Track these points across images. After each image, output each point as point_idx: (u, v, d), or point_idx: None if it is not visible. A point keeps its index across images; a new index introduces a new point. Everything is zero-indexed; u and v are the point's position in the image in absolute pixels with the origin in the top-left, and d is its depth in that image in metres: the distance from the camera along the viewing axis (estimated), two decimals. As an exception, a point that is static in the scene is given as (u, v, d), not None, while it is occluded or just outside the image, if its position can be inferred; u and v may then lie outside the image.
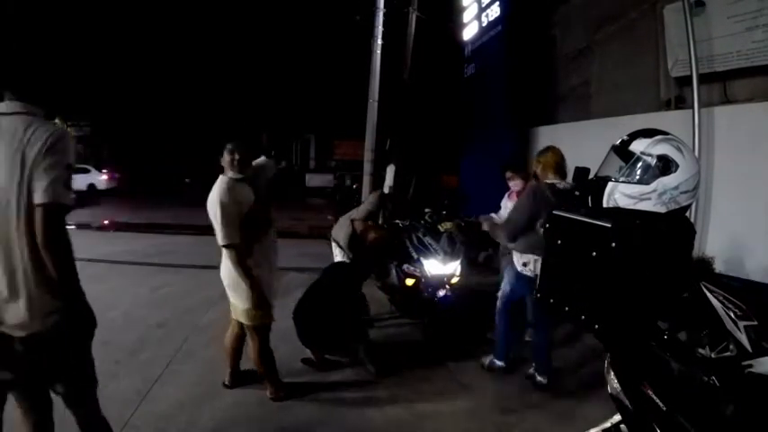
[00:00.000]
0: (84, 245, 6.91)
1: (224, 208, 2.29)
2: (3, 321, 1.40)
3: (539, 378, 2.93)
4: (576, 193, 1.51)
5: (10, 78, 1.47)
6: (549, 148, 2.80)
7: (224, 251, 2.37)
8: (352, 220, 3.77)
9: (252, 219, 2.38)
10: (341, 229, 3.84)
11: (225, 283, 2.48)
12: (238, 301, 2.45)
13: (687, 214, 1.43)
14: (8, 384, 1.49)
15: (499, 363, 3.09)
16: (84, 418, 1.64)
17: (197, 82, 18.82)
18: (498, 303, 3.04)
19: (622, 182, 1.37)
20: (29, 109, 1.43)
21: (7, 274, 1.39)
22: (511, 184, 3.44)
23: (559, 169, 2.72)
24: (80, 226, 8.83)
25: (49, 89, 1.54)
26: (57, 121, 1.48)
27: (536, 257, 2.71)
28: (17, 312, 1.39)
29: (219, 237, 2.30)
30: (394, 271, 3.88)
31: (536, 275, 2.71)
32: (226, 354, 2.76)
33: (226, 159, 2.44)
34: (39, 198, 1.33)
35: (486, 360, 3.12)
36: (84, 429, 1.65)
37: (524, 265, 2.83)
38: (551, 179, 2.70)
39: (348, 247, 3.70)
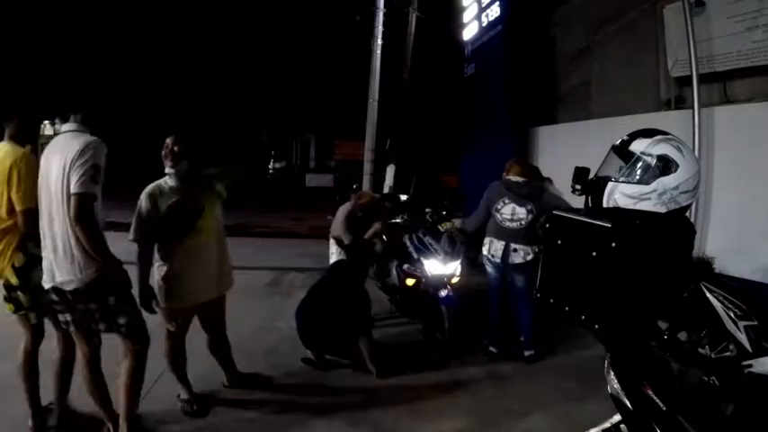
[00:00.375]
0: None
1: (138, 207, 2.33)
2: (57, 279, 1.93)
3: (526, 353, 3.24)
4: (578, 191, 1.51)
5: (82, 107, 2.02)
6: (517, 161, 3.43)
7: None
8: (359, 196, 3.74)
9: (172, 218, 2.32)
10: (337, 220, 3.76)
11: None
12: None
13: (687, 214, 1.43)
14: (69, 325, 2.04)
15: (491, 348, 3.34)
16: (129, 365, 2.14)
17: (197, 81, 18.82)
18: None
19: (622, 182, 1.37)
20: (80, 128, 1.97)
21: (60, 242, 1.91)
22: None
23: (519, 173, 3.27)
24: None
25: (101, 116, 2.13)
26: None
27: (491, 239, 3.29)
28: (67, 270, 1.90)
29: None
30: (394, 271, 3.88)
31: (492, 255, 3.26)
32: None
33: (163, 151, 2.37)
34: (72, 189, 1.82)
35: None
36: (126, 376, 2.13)
37: (484, 245, 3.35)
38: (510, 176, 3.28)
39: (347, 227, 3.54)
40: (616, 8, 5.75)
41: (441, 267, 3.49)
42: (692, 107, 4.22)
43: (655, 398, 1.22)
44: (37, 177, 2.01)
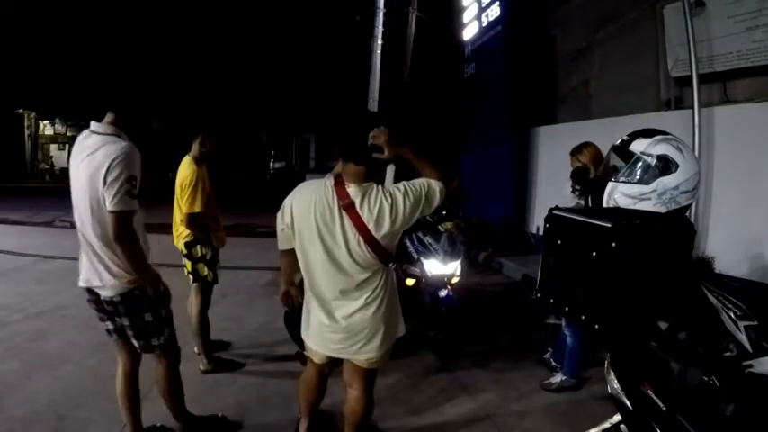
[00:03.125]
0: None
1: None
2: (92, 282, 1.87)
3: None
4: (578, 191, 1.51)
5: (117, 104, 1.88)
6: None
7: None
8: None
9: None
10: None
11: None
12: None
13: (687, 214, 1.43)
14: (111, 333, 2.00)
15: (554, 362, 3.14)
16: (163, 374, 2.09)
17: (197, 81, 18.82)
18: None
19: (622, 182, 1.37)
20: (112, 131, 1.82)
21: (93, 247, 1.84)
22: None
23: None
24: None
25: (140, 118, 1.99)
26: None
27: None
28: (100, 276, 1.85)
29: None
30: (394, 271, 3.87)
31: None
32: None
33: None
34: (109, 207, 1.73)
35: None
36: (163, 383, 2.11)
37: None
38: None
39: None
40: (616, 8, 5.76)
41: (441, 267, 3.48)
42: (692, 107, 4.22)
43: (655, 398, 1.22)
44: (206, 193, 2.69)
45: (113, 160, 1.71)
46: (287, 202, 1.85)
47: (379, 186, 1.75)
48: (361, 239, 1.70)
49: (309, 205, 1.74)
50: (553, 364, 3.07)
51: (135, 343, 1.96)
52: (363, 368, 1.91)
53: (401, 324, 1.98)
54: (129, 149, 1.77)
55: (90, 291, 1.92)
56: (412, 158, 1.79)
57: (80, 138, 1.86)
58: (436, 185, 1.76)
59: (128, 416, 2.10)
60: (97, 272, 1.84)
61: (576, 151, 2.84)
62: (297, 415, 2.28)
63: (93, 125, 1.84)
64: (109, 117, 1.86)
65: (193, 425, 2.28)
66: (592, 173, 2.65)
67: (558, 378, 2.86)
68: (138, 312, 1.90)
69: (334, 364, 2.04)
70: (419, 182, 1.77)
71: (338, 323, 1.80)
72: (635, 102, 5.31)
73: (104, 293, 1.87)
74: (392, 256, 1.83)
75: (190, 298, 2.94)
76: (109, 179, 1.71)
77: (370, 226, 1.68)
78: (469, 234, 6.13)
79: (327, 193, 1.74)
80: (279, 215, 1.88)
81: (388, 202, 1.69)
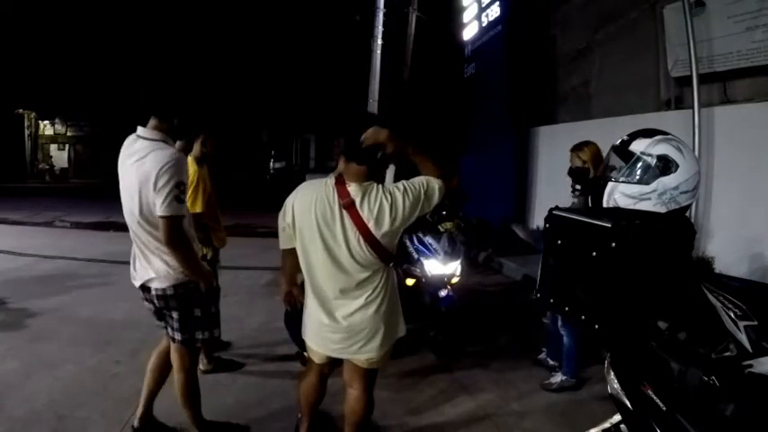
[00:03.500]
0: (84, 245, 6.92)
1: None
2: (145, 276, 1.93)
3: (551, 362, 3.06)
4: (578, 191, 1.51)
5: (163, 108, 1.92)
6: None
7: None
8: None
9: None
10: None
11: None
12: None
13: (687, 214, 1.43)
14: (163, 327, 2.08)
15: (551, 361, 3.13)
16: (185, 374, 2.10)
17: (198, 81, 18.82)
18: None
19: (622, 182, 1.37)
20: (159, 137, 1.87)
21: (144, 244, 1.90)
22: None
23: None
24: (80, 225, 8.84)
25: (188, 125, 2.02)
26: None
27: None
28: (156, 268, 1.90)
29: None
30: (394, 271, 3.87)
31: None
32: None
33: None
34: (159, 212, 1.79)
35: None
36: (184, 383, 2.11)
37: None
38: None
39: None
40: (616, 8, 5.76)
41: (441, 267, 3.48)
42: (692, 107, 4.22)
43: (655, 398, 1.22)
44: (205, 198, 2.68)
45: (162, 167, 1.76)
46: (288, 201, 1.85)
47: (380, 186, 1.75)
48: (361, 238, 1.70)
49: (310, 204, 1.75)
50: (551, 363, 3.06)
51: (177, 336, 1.99)
52: (363, 368, 1.90)
53: (401, 324, 1.98)
54: (178, 156, 1.84)
55: (144, 289, 1.97)
56: (413, 154, 1.79)
57: (127, 142, 1.93)
58: (435, 183, 1.76)
59: (147, 393, 2.19)
60: (151, 264, 1.90)
61: (576, 148, 2.83)
62: (297, 415, 2.28)
63: (140, 130, 1.90)
64: (153, 122, 1.90)
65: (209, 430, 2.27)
66: (591, 173, 2.66)
67: (557, 378, 2.86)
68: (189, 307, 1.95)
69: (334, 365, 2.04)
70: (418, 180, 1.77)
71: (338, 323, 1.80)
72: (635, 102, 5.31)
73: (157, 285, 1.90)
74: (392, 256, 1.83)
75: None
76: (159, 185, 1.76)
77: (370, 225, 1.68)
78: (469, 234, 6.14)
79: (328, 192, 1.74)
80: (280, 214, 1.88)
81: (388, 201, 1.69)
